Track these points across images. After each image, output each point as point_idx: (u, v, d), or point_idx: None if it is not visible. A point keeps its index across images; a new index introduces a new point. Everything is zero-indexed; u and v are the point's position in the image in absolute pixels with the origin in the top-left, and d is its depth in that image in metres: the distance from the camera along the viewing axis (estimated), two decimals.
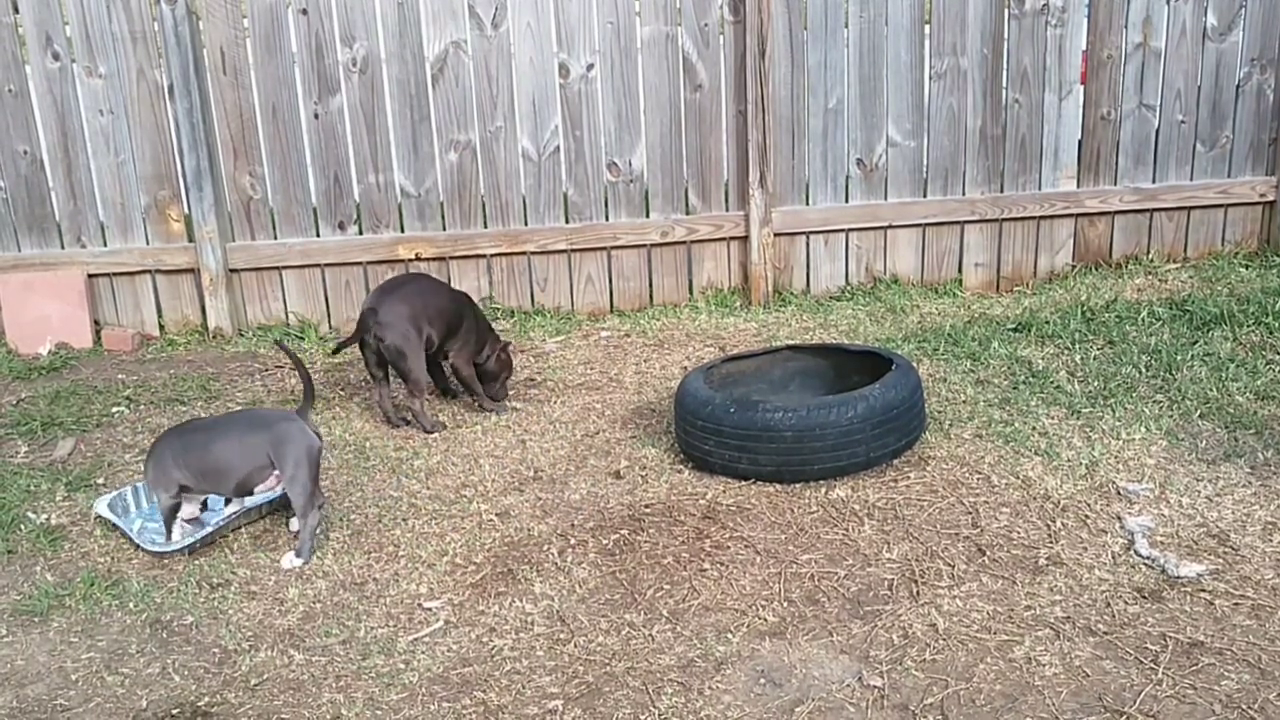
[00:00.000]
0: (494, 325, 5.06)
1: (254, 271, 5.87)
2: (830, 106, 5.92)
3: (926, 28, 5.90)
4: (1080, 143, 6.11)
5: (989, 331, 5.40)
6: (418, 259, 5.87)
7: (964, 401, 4.65)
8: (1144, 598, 3.26)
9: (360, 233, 5.88)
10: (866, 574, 3.46)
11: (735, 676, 3.02)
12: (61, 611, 3.46)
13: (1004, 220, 6.11)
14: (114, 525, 3.89)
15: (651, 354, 5.46)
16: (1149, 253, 6.23)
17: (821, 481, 3.99)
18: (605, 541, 3.73)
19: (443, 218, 5.90)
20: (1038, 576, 3.39)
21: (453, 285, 5.54)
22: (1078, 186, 6.16)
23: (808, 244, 6.08)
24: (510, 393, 4.98)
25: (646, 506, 3.95)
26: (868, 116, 5.95)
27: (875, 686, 2.94)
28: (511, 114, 5.81)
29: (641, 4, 5.75)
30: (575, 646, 3.18)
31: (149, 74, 5.62)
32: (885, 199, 6.06)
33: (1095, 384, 4.73)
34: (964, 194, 6.09)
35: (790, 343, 5.15)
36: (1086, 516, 3.71)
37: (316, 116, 5.76)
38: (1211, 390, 4.58)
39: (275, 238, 5.87)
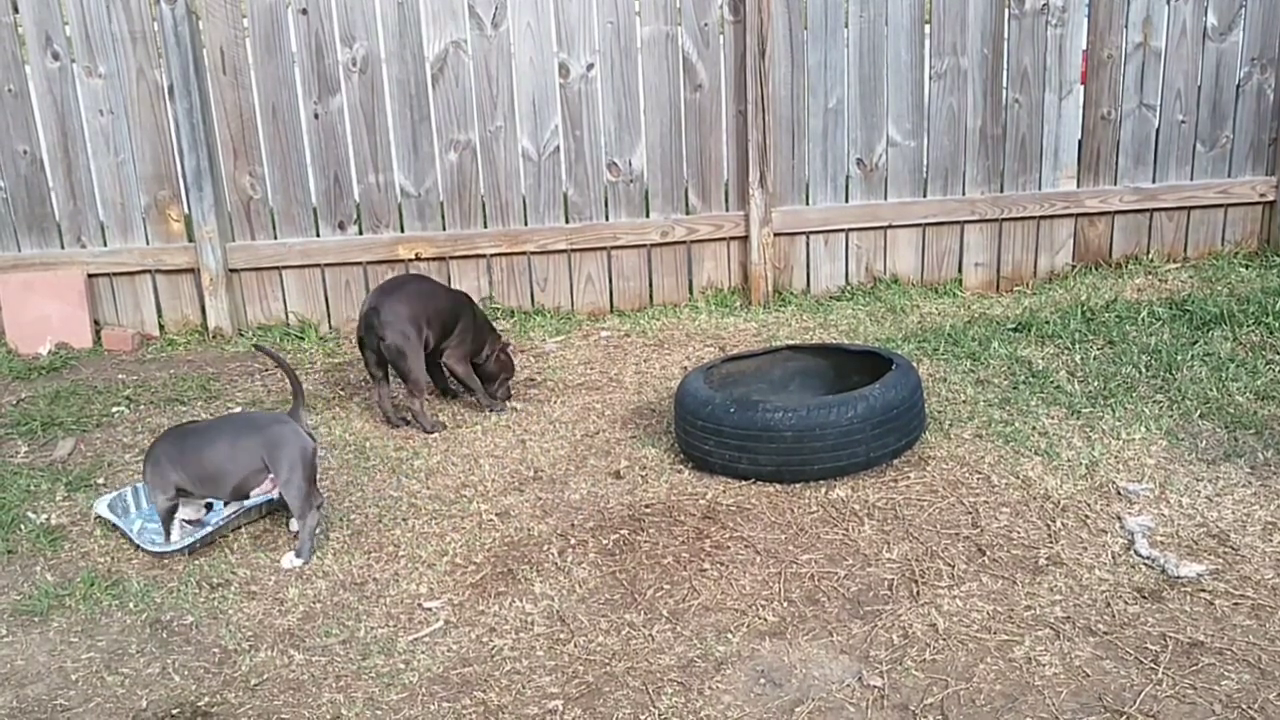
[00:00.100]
0: (493, 325, 5.05)
1: (254, 271, 5.87)
2: (830, 106, 5.92)
3: (926, 27, 5.90)
4: (1080, 142, 6.11)
5: (989, 331, 5.40)
6: (418, 259, 5.87)
7: (964, 401, 4.65)
8: (1144, 598, 3.26)
9: (360, 233, 5.88)
10: (866, 574, 3.46)
11: (735, 676, 3.02)
12: (61, 611, 3.46)
13: (1004, 220, 6.11)
14: (114, 525, 3.89)
15: (651, 354, 5.46)
16: (1149, 253, 6.23)
17: (821, 481, 3.99)
18: (605, 541, 3.73)
19: (443, 218, 5.90)
20: (1038, 576, 3.39)
21: (453, 285, 5.55)
22: (1078, 186, 6.16)
23: (808, 244, 6.08)
24: (511, 393, 4.98)
25: (646, 506, 3.95)
26: (868, 116, 5.95)
27: (875, 686, 2.94)
28: (511, 114, 5.81)
29: (641, 4, 5.75)
30: (575, 646, 3.18)
31: (149, 74, 5.62)
32: (885, 199, 6.06)
33: (1095, 384, 4.73)
34: (964, 194, 6.09)
35: (790, 343, 5.15)
36: (1086, 516, 3.71)
37: (316, 116, 5.76)
38: (1211, 390, 4.58)
39: (275, 238, 5.87)
